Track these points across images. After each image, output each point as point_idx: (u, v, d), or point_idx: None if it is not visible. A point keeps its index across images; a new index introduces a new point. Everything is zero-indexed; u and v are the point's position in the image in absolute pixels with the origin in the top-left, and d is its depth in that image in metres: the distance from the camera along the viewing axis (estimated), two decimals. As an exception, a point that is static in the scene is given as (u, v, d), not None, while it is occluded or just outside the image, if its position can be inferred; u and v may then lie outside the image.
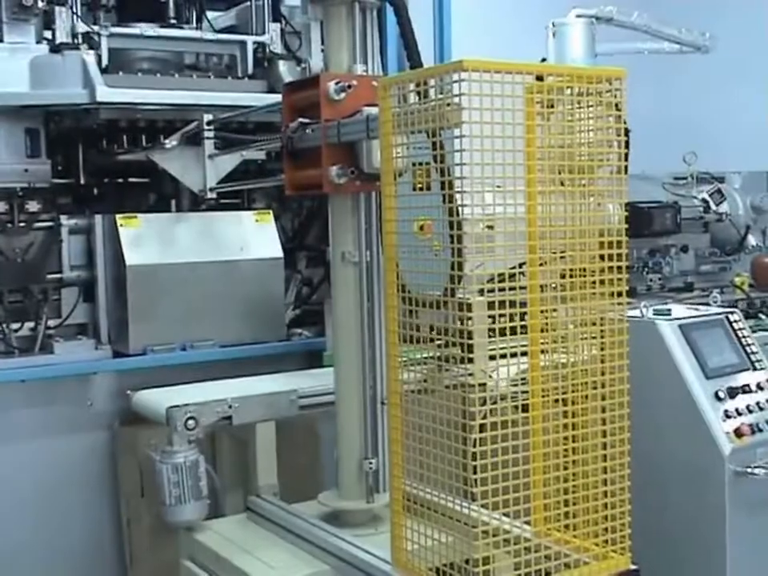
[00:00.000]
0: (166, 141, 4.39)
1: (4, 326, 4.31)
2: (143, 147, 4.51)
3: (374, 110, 2.99)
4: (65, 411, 4.27)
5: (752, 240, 6.73)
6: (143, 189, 4.87)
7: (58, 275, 4.43)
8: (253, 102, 4.56)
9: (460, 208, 2.49)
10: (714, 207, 6.57)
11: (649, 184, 6.46)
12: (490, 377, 2.60)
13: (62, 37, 4.35)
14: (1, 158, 4.36)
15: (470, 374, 2.53)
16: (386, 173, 2.75)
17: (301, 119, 3.36)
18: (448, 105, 2.49)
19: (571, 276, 2.66)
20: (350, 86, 3.23)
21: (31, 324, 4.36)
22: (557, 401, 2.65)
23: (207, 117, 4.40)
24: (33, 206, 4.38)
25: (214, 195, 4.50)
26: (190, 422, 3.54)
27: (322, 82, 3.26)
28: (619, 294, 2.72)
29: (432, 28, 5.52)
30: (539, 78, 2.60)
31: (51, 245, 4.42)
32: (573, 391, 2.67)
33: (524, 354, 2.64)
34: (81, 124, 4.44)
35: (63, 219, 4.45)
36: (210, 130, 4.39)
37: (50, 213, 4.45)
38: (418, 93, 2.67)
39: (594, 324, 2.73)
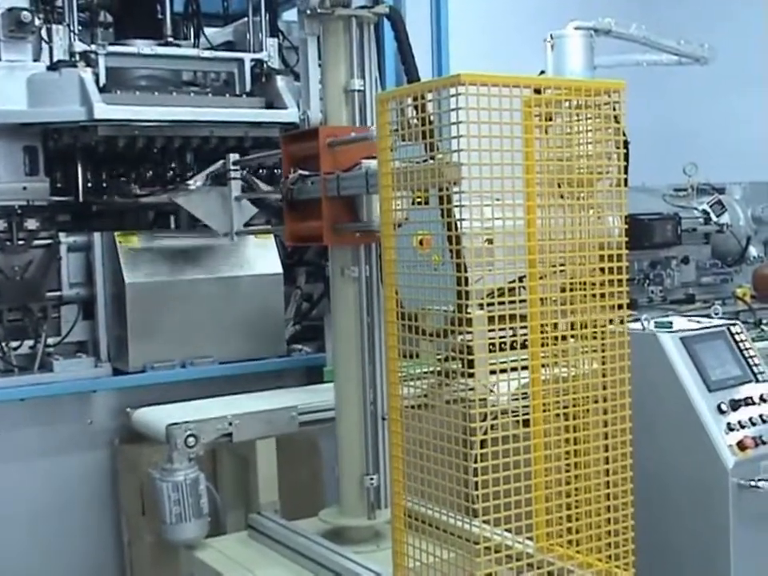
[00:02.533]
0: (190, 182, 4.30)
1: (3, 344, 4.29)
2: (165, 189, 4.44)
3: (373, 164, 3.00)
4: (64, 429, 4.26)
5: (753, 251, 6.72)
6: (142, 206, 4.86)
7: (58, 293, 4.41)
8: (251, 117, 4.56)
9: (459, 222, 2.49)
10: (714, 218, 6.55)
11: (649, 196, 6.45)
12: (491, 391, 2.58)
13: (59, 54, 4.35)
14: (-1, 176, 4.36)
15: (471, 389, 2.51)
16: (385, 187, 2.74)
17: (301, 171, 3.39)
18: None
19: (571, 289, 2.65)
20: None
21: (30, 342, 4.34)
22: (558, 415, 2.63)
23: (234, 156, 4.25)
24: (31, 223, 4.37)
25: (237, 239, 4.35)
26: (190, 439, 3.52)
27: (321, 134, 3.28)
28: (620, 307, 2.70)
29: (430, 42, 5.52)
30: (537, 91, 2.59)
31: (50, 262, 4.40)
32: (574, 405, 2.65)
33: (525, 368, 2.62)
34: (79, 141, 4.43)
35: (62, 237, 4.43)
36: (236, 170, 4.23)
37: (49, 230, 4.43)
38: (416, 107, 2.66)
39: (595, 337, 2.71)
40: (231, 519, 3.96)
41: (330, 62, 3.37)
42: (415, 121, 2.67)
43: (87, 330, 4.46)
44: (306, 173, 3.38)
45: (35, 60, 4.37)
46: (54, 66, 4.32)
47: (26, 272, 4.34)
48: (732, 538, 3.53)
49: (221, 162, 4.31)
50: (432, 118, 2.61)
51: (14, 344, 4.32)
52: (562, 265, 2.65)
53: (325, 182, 3.28)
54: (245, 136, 4.59)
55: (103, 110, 4.20)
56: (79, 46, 4.38)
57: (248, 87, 4.82)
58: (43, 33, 4.40)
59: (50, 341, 4.37)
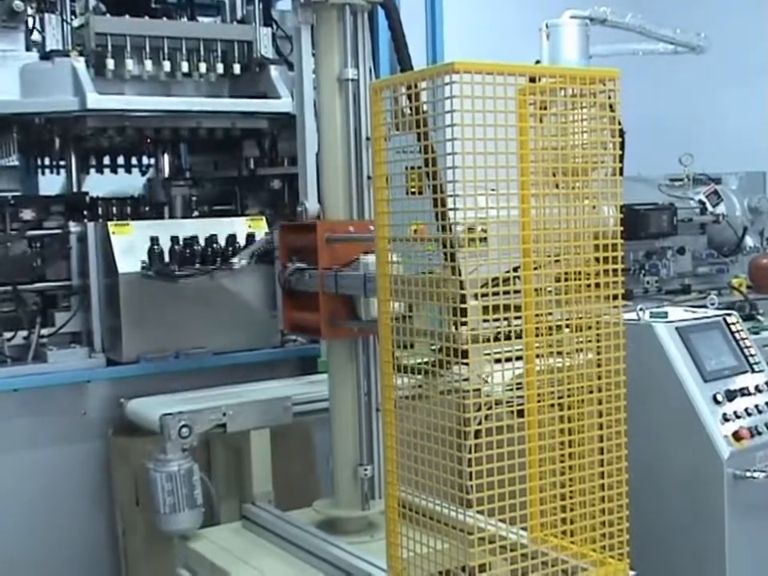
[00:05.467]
0: (234, 260, 4.14)
1: (-3, 334, 4.27)
2: (206, 270, 4.20)
3: (371, 261, 3.00)
4: (58, 420, 4.23)
5: (749, 241, 6.72)
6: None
7: (67, 282, 4.39)
8: (245, 107, 4.54)
9: (452, 212, 2.47)
10: (710, 209, 6.56)
11: (645, 186, 6.45)
12: (486, 382, 2.57)
13: (52, 44, 4.33)
14: (-8, 165, 4.34)
15: (465, 380, 2.50)
16: (378, 177, 2.72)
17: (298, 265, 3.39)
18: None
19: (566, 279, 2.63)
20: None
21: (24, 333, 4.32)
22: (553, 405, 2.62)
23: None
24: (27, 214, 4.35)
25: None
26: (184, 429, 3.52)
27: (319, 230, 3.29)
28: (615, 297, 2.69)
29: (425, 31, 5.50)
30: (532, 80, 2.57)
31: (58, 251, 4.37)
32: (569, 396, 2.64)
33: (519, 358, 2.61)
34: (70, 131, 4.41)
35: (72, 227, 4.39)
36: None
37: (43, 220, 4.41)
38: (409, 96, 2.64)
39: (590, 327, 2.70)
40: (225, 510, 3.96)
41: (323, 51, 3.34)
42: (408, 110, 2.64)
43: (81, 321, 4.44)
44: (304, 266, 3.39)
45: (28, 49, 4.35)
46: (46, 56, 4.30)
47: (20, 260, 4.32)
48: (727, 529, 3.54)
49: (265, 238, 4.18)
50: (426, 106, 2.59)
51: (8, 335, 4.29)
52: (556, 255, 2.64)
53: (322, 278, 3.28)
54: (232, 127, 4.58)
55: (96, 100, 4.18)
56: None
57: (240, 13, 4.78)
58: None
59: (44, 331, 4.35)
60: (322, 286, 3.28)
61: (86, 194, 4.81)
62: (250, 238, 4.31)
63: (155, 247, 4.19)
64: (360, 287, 3.12)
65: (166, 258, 4.21)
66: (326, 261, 3.29)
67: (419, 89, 2.59)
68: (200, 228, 4.54)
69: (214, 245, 4.27)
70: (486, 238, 2.47)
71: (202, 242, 4.26)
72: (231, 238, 4.30)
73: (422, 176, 2.65)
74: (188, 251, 4.22)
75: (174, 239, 4.23)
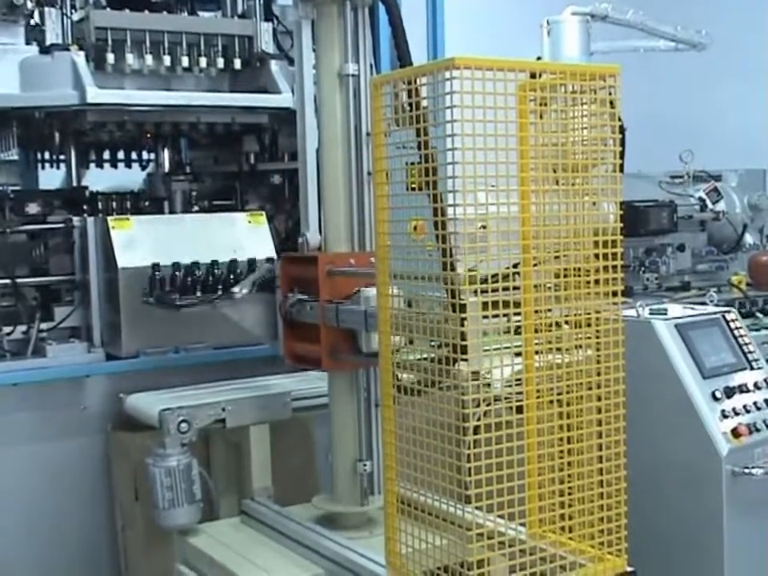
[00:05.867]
0: (235, 289, 4.17)
1: (-4, 328, 4.27)
2: (208, 299, 4.25)
3: (372, 295, 2.99)
4: (58, 415, 4.23)
5: (749, 238, 6.72)
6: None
7: (71, 276, 4.39)
8: (245, 102, 4.53)
9: (452, 208, 2.46)
10: (710, 206, 6.56)
11: (645, 183, 6.45)
12: (485, 378, 2.56)
13: (51, 38, 4.32)
14: (-8, 159, 4.34)
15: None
16: (378, 172, 2.72)
17: (300, 296, 3.39)
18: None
19: (566, 276, 2.63)
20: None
21: (23, 327, 4.32)
22: (552, 402, 2.62)
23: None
24: (32, 208, 4.35)
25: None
26: (183, 425, 3.52)
27: (320, 262, 3.28)
28: (614, 294, 2.69)
29: (425, 26, 5.49)
30: (533, 76, 2.57)
31: (61, 244, 4.37)
32: (568, 392, 2.64)
33: (519, 354, 2.61)
34: (70, 126, 4.41)
35: (76, 221, 4.38)
36: None
37: (47, 215, 4.41)
38: (410, 91, 2.64)
39: (590, 324, 2.69)
40: (224, 505, 3.95)
41: (324, 46, 3.34)
42: (409, 106, 2.64)
43: (80, 315, 4.44)
44: (305, 297, 3.38)
45: (27, 43, 4.34)
46: (46, 50, 4.29)
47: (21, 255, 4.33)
48: (725, 525, 3.54)
49: (266, 266, 4.22)
50: (426, 102, 2.59)
51: (7, 329, 4.29)
52: (556, 251, 2.64)
53: (323, 311, 3.27)
54: (232, 122, 4.58)
55: (96, 94, 4.18)
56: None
57: (241, 8, 4.79)
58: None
59: (43, 326, 4.35)
60: (322, 319, 3.28)
61: (86, 188, 4.81)
62: (252, 264, 4.33)
63: (156, 274, 4.19)
64: (361, 322, 3.11)
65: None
66: (327, 293, 3.28)
67: (419, 84, 2.58)
68: (200, 223, 4.55)
69: (216, 271, 4.28)
70: (486, 279, 2.47)
71: (203, 269, 4.28)
72: (233, 264, 4.32)
73: (422, 171, 2.65)
74: (189, 279, 4.23)
75: (176, 265, 4.24)
